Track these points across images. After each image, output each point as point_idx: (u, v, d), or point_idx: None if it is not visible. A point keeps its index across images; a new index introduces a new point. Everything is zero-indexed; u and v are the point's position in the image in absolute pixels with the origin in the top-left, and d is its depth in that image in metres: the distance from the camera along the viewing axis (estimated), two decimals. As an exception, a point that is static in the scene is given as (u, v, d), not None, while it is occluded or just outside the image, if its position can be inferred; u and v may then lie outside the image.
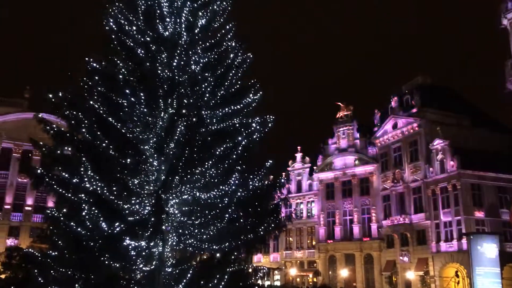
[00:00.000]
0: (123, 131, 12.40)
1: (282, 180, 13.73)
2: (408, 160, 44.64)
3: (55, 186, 11.90)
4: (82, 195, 11.47)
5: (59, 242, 11.98)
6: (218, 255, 12.48)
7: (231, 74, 13.85)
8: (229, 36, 14.21)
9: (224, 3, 14.32)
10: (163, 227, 11.38)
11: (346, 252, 48.53)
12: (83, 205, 11.46)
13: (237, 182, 12.77)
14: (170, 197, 12.01)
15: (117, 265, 11.22)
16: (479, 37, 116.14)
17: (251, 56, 14.27)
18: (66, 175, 11.98)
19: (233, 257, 12.62)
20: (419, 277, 41.39)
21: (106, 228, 11.22)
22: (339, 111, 52.58)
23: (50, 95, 12.20)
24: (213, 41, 14.13)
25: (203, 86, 13.23)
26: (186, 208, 12.31)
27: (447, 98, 47.70)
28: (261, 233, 13.02)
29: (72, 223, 11.67)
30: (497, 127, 46.32)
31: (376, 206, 47.41)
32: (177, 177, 11.62)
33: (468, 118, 45.33)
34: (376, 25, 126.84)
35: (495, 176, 39.79)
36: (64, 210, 12.11)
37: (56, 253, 11.91)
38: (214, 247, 12.45)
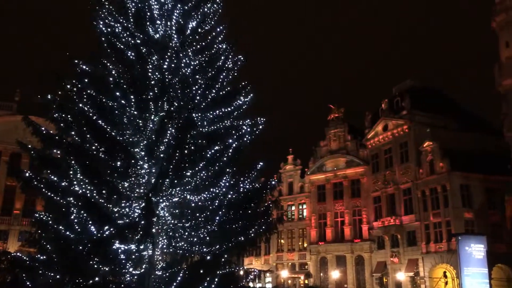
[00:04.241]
0: (113, 133, 12.32)
1: (273, 182, 13.70)
2: (399, 162, 44.92)
3: (43, 190, 11.81)
4: (71, 198, 11.37)
5: (48, 246, 11.85)
6: (208, 257, 12.43)
7: (222, 77, 13.85)
8: (220, 38, 14.21)
9: (215, 5, 14.33)
10: (153, 230, 11.31)
11: (337, 254, 48.65)
12: (72, 209, 11.36)
13: (227, 184, 12.77)
14: (161, 200, 11.95)
15: (107, 269, 11.13)
16: (469, 40, 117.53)
17: (242, 58, 14.29)
18: (55, 178, 11.88)
19: (223, 259, 12.57)
20: (409, 278, 41.66)
21: (95, 232, 11.14)
22: (331, 113, 52.76)
23: (39, 98, 12.11)
24: (204, 43, 14.13)
25: (194, 88, 13.20)
26: (177, 211, 12.27)
27: (436, 100, 48.15)
28: (252, 235, 13.01)
29: (61, 227, 11.59)
30: (486, 129, 46.74)
31: (367, 208, 47.62)
32: (167, 180, 11.58)
33: (456, 121, 45.74)
34: (367, 30, 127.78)
35: (484, 177, 40.16)
36: (53, 213, 12.00)
37: (44, 257, 11.77)
38: (205, 249, 12.41)
